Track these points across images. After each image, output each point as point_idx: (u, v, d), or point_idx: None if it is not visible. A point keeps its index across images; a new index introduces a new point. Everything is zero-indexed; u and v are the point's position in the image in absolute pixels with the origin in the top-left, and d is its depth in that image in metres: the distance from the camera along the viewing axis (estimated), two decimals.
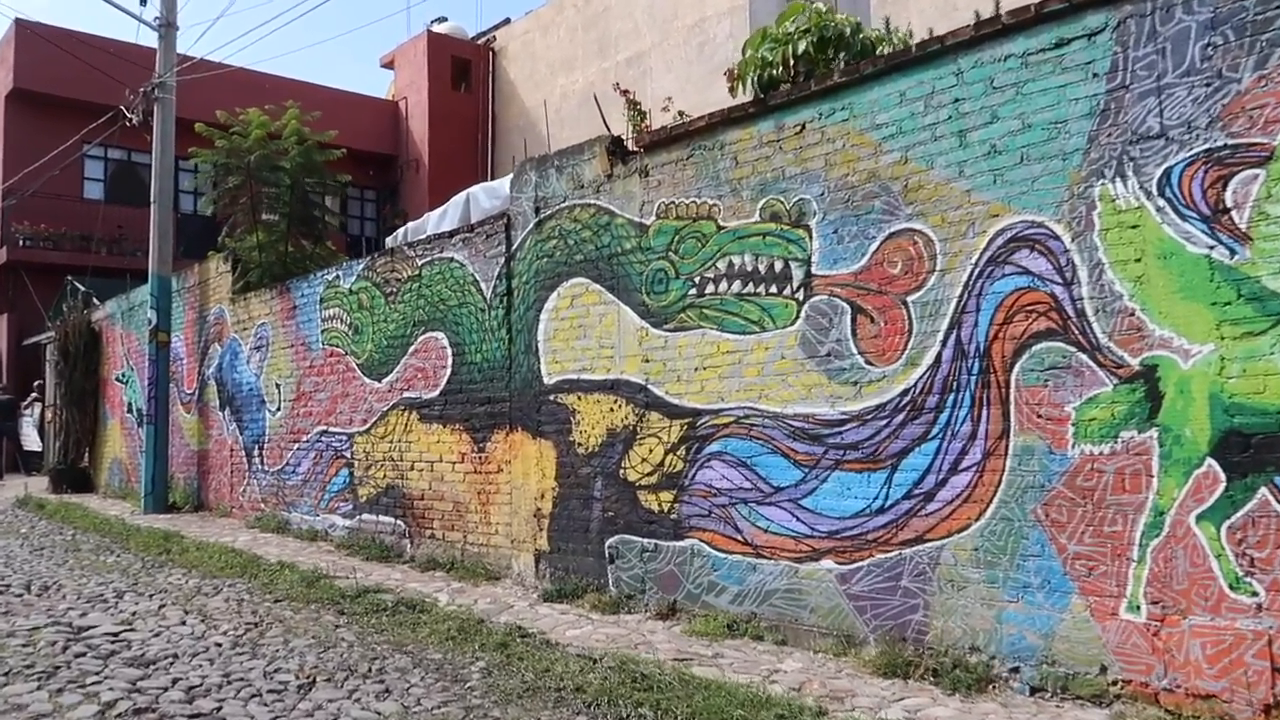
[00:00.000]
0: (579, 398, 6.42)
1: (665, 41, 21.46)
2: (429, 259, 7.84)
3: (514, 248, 7.02)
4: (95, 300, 15.77)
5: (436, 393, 7.69)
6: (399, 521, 8.05)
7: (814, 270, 5.08)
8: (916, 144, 4.67)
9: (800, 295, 5.14)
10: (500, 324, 7.08)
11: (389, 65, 27.02)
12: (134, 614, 6.42)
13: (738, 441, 5.41)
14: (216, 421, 11.25)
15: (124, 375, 13.98)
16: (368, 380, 8.52)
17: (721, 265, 5.54)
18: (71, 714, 4.21)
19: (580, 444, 6.39)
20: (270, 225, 11.01)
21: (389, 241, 9.17)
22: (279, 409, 9.89)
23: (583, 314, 6.42)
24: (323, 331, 9.19)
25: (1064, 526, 4.08)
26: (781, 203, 5.25)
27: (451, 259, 7.59)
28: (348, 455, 8.76)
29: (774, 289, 5.27)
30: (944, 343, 4.52)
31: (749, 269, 5.40)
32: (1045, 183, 4.21)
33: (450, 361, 7.56)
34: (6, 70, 20.96)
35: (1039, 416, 4.18)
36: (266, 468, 10.08)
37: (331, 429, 9.00)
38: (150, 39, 11.93)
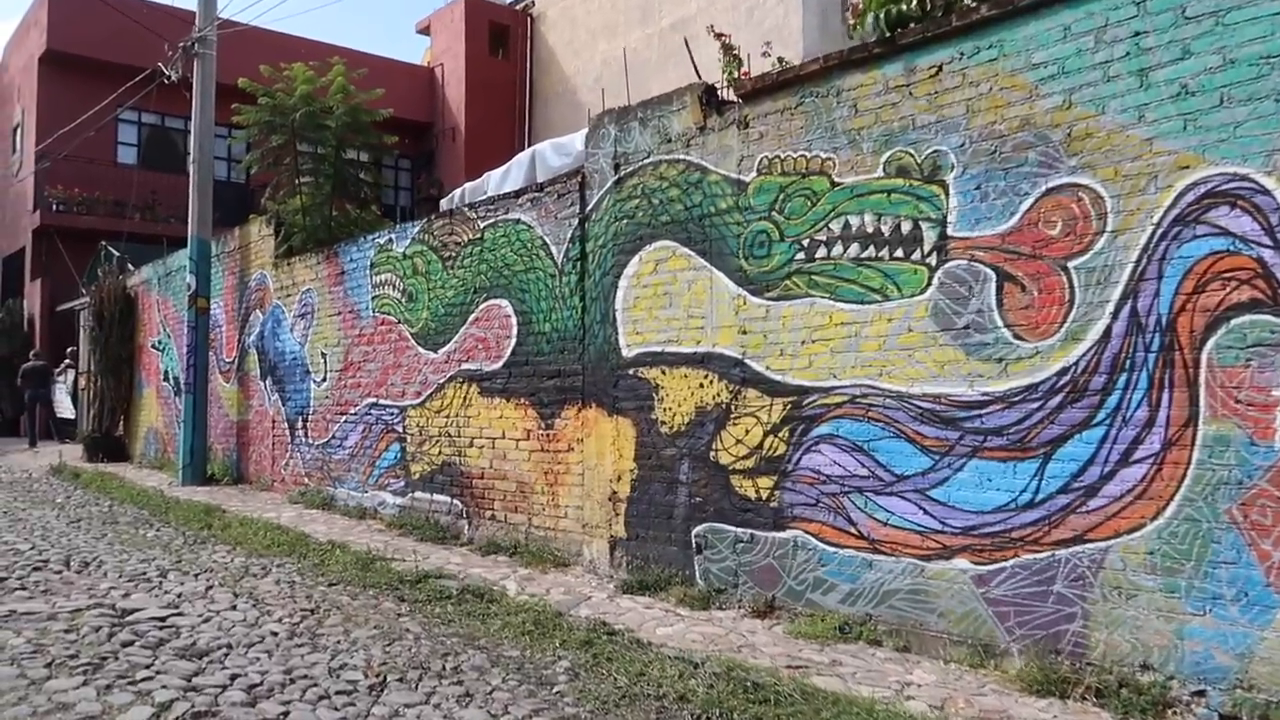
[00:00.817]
0: (663, 372, 5.87)
1: (712, 6, 20.71)
2: (492, 221, 7.30)
3: (589, 208, 6.46)
4: (130, 266, 15.37)
5: (499, 364, 7.16)
6: (456, 501, 7.57)
7: (950, 231, 4.48)
8: (1083, 85, 4.05)
9: (932, 260, 4.55)
10: (573, 291, 6.54)
11: (424, 31, 26.41)
12: (180, 595, 5.97)
13: (852, 423, 4.84)
14: (257, 391, 10.81)
15: (160, 342, 13.58)
16: (423, 350, 8.01)
17: (835, 226, 4.95)
18: (123, 717, 3.75)
19: (664, 422, 5.85)
20: (314, 187, 10.48)
21: (445, 203, 8.63)
22: (325, 379, 9.42)
23: (668, 280, 5.86)
24: (373, 298, 8.68)
25: (1268, 531, 3.49)
26: (911, 155, 4.65)
27: (518, 220, 7.04)
28: (399, 429, 8.27)
29: (900, 253, 4.68)
30: (1115, 315, 3.92)
31: (869, 230, 4.81)
32: (1252, 129, 3.59)
33: (515, 331, 7.03)
34: (40, 32, 20.55)
35: (1238, 402, 3.58)
36: (311, 440, 9.63)
37: (382, 401, 8.51)
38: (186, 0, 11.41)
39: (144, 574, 6.68)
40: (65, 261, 19.45)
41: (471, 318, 7.47)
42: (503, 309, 7.16)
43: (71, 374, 18.42)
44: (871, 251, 4.80)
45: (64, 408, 18.42)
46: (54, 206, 19.77)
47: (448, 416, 7.69)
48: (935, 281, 4.53)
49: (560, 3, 25.00)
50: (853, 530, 4.82)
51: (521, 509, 6.93)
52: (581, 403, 6.45)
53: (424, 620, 5.40)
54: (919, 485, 4.56)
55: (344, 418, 9.07)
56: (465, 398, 7.50)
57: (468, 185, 8.64)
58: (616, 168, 6.26)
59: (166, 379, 13.28)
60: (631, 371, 6.08)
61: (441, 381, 7.77)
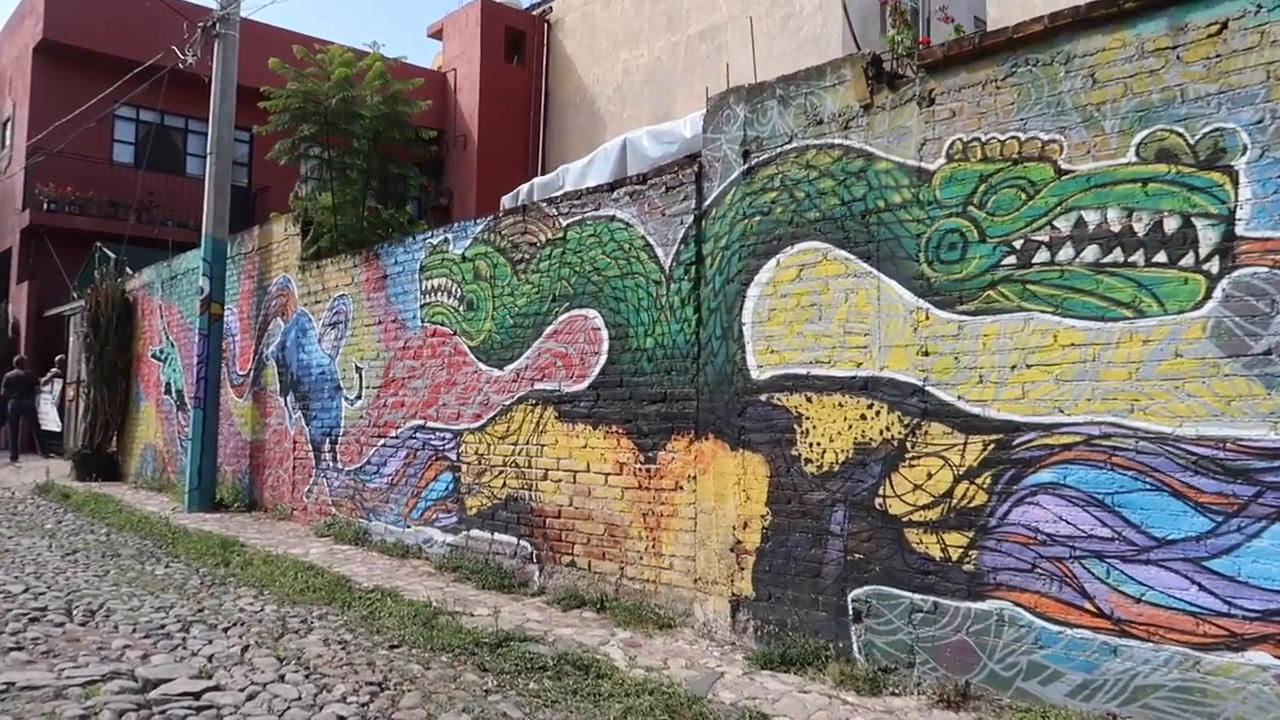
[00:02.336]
0: (807, 399, 4.86)
1: (744, 14, 19.86)
2: (578, 218, 6.29)
3: (707, 203, 5.47)
4: (128, 269, 14.25)
5: (584, 385, 6.14)
6: (523, 542, 6.51)
7: (1242, 231, 3.52)
8: None
9: (1212, 266, 3.58)
10: (684, 300, 5.53)
11: (436, 35, 25.46)
12: (212, 660, 4.91)
13: (1087, 471, 3.85)
14: (275, 408, 9.71)
15: (162, 352, 12.45)
16: (484, 367, 6.97)
17: (1063, 224, 3.98)
18: None
19: (809, 460, 4.83)
20: (346, 183, 9.44)
21: (507, 200, 7.61)
22: (359, 397, 8.35)
23: (817, 289, 4.87)
24: (423, 306, 7.64)
25: None
26: (1179, 136, 3.69)
27: (612, 217, 6.04)
28: (452, 457, 7.21)
29: (1162, 257, 3.71)
30: None
31: (1114, 229, 3.84)
32: None
33: (605, 346, 6.02)
34: (36, 20, 19.46)
35: None
36: (340, 465, 8.55)
37: (431, 423, 7.45)
38: None
39: (162, 626, 5.59)
40: (56, 264, 18.27)
41: (548, 330, 6.44)
42: (589, 321, 6.15)
43: (59, 384, 17.20)
44: (1117, 255, 3.82)
45: (49, 420, 17.18)
46: (45, 205, 18.60)
47: (515, 444, 6.65)
48: (1218, 294, 3.56)
49: (579, 9, 24.16)
50: (1088, 605, 3.82)
51: (611, 556, 5.88)
52: (694, 433, 5.43)
53: (520, 701, 4.35)
54: (1191, 553, 3.56)
55: (382, 441, 8.00)
56: (539, 423, 6.46)
57: (537, 180, 7.63)
58: (746, 155, 5.28)
59: (168, 392, 12.14)
60: (764, 398, 5.07)
61: (508, 403, 6.73)
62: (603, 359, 6.03)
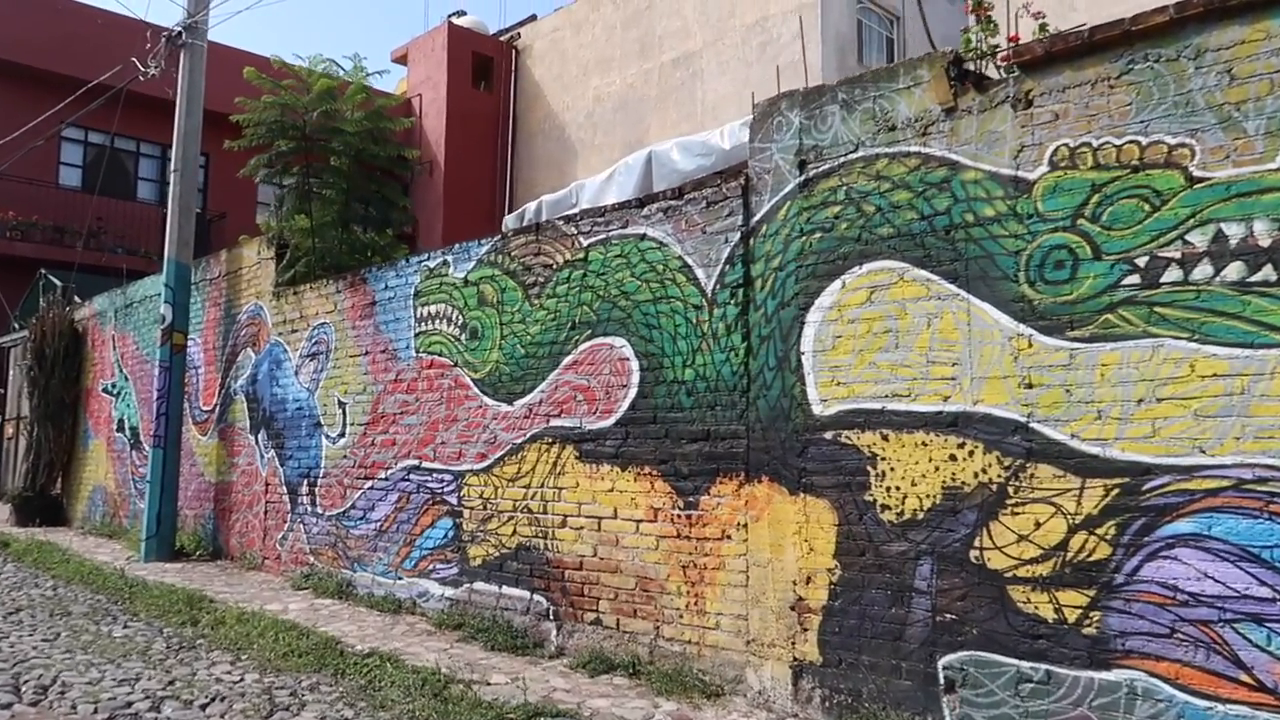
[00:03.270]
0: (883, 437, 4.32)
1: (720, 41, 19.63)
2: (602, 237, 5.71)
3: (756, 219, 4.94)
4: (75, 298, 13.31)
5: (610, 422, 5.53)
6: (538, 597, 5.84)
7: None
8: None
9: None
10: (730, 327, 4.97)
11: (401, 60, 24.83)
12: None
13: (1238, 520, 3.34)
14: (245, 447, 8.92)
15: (114, 386, 11.55)
16: (491, 401, 6.32)
17: (1198, 238, 3.50)
18: None
19: (887, 506, 4.28)
20: (324, 204, 8.76)
21: (511, 220, 7.00)
22: (342, 434, 7.62)
23: (892, 313, 4.34)
24: (418, 335, 6.98)
25: None
26: None
27: (642, 236, 5.47)
28: (453, 501, 6.53)
29: None
30: None
31: (1264, 243, 3.36)
32: None
33: (635, 379, 5.42)
34: None
35: None
36: (320, 510, 7.79)
37: (427, 464, 6.77)
38: (141, 9, 9.71)
39: (129, 705, 4.85)
40: None
41: (567, 361, 5.83)
42: (616, 350, 5.55)
43: None
44: (1268, 273, 3.35)
45: None
46: None
47: (528, 487, 6.00)
48: None
49: (548, 36, 23.76)
50: (1243, 677, 3.29)
51: (644, 613, 5.25)
52: (744, 475, 4.85)
53: None
54: None
55: (369, 483, 7.28)
56: (555, 463, 5.82)
57: (546, 198, 7.04)
58: (802, 166, 4.76)
59: (121, 429, 11.23)
60: (829, 435, 4.51)
61: (519, 441, 6.08)
62: (632, 392, 5.43)
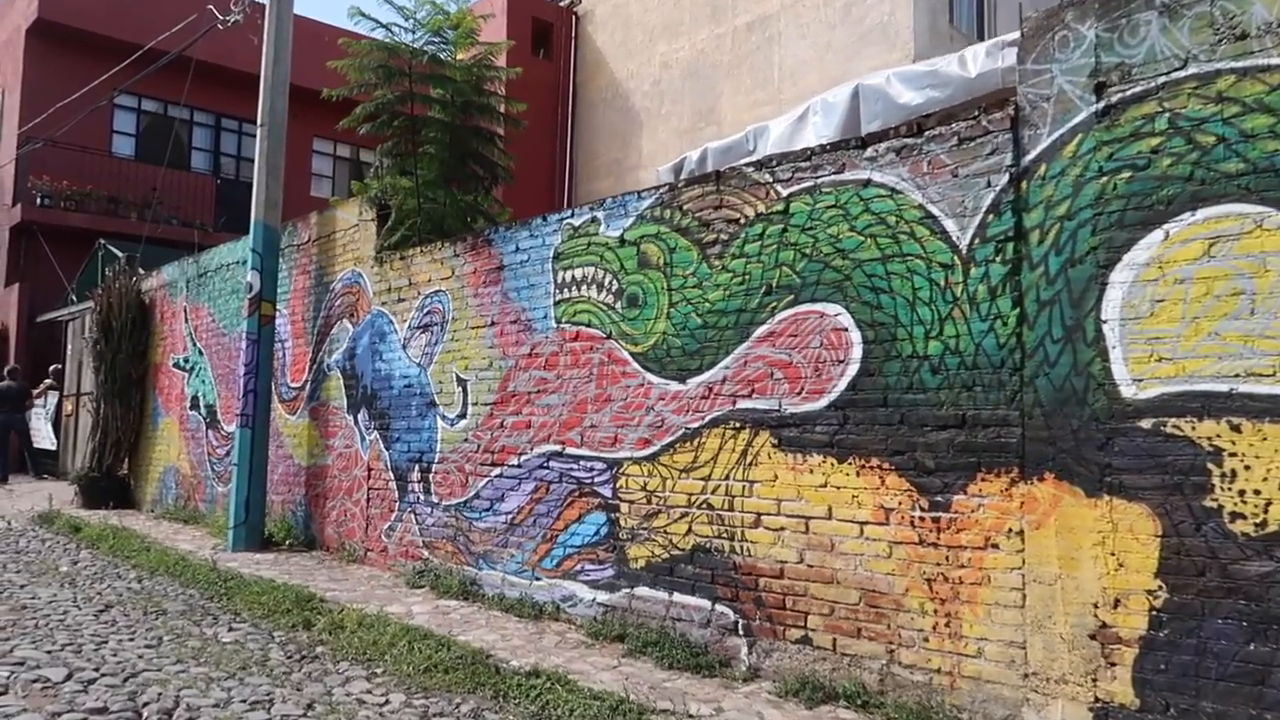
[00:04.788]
0: (1233, 427, 3.41)
1: (799, 3, 18.55)
2: (806, 185, 4.81)
3: (1030, 158, 4.02)
4: (140, 268, 12.58)
5: (821, 404, 4.65)
6: (722, 608, 5.00)
7: None
8: None
9: None
10: (996, 290, 4.07)
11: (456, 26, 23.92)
12: None
13: None
14: (341, 428, 8.14)
15: (187, 360, 10.82)
16: (656, 379, 5.46)
17: None
18: None
19: (1239, 515, 3.37)
20: (426, 161, 7.90)
21: (664, 172, 6.10)
22: (462, 415, 6.81)
23: (1244, 270, 3.42)
24: (559, 303, 6.12)
25: None
26: None
27: (866, 182, 4.57)
28: (606, 493, 5.69)
29: None
30: None
31: None
32: None
33: (856, 353, 4.54)
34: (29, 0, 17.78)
35: None
36: (436, 499, 6.99)
37: (572, 450, 5.93)
38: None
39: None
40: (51, 264, 16.55)
41: (760, 332, 4.95)
42: (828, 319, 4.66)
43: (54, 397, 15.46)
44: None
45: (43, 437, 15.43)
46: (39, 200, 16.87)
47: (706, 479, 5.14)
48: None
49: (611, 1, 22.75)
50: None
51: (871, 633, 4.38)
52: (1018, 470, 3.96)
53: None
54: None
55: (498, 470, 6.46)
56: (745, 452, 4.96)
57: (712, 145, 6.13)
58: (1099, 90, 3.83)
59: (195, 407, 10.51)
60: (1147, 424, 3.60)
61: (694, 426, 5.22)
62: (852, 369, 4.55)
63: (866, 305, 4.53)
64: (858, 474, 4.50)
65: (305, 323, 8.77)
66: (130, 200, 17.81)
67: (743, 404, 5.01)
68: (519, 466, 6.31)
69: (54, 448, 15.20)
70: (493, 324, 6.62)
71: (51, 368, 15.63)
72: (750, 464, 4.95)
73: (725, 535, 5.04)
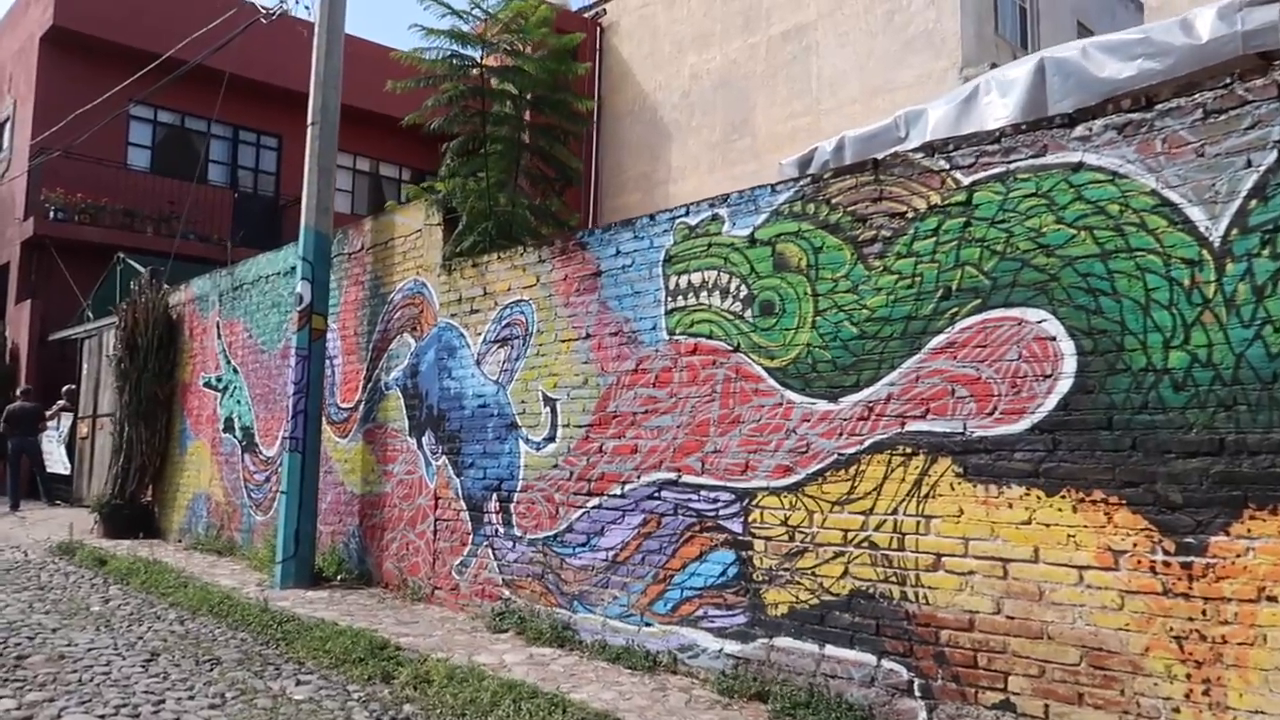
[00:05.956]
0: None
1: (838, 11, 18.01)
2: (995, 170, 4.14)
3: None
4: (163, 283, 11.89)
5: (1021, 426, 3.96)
6: (890, 663, 4.28)
7: None
8: None
9: None
10: (1263, 289, 3.39)
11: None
12: None
13: None
14: (401, 451, 7.42)
15: (220, 379, 10.11)
16: (797, 397, 4.77)
17: None
18: None
19: None
20: (489, 161, 7.24)
21: (788, 166, 5.43)
22: (550, 439, 6.10)
23: None
24: (671, 311, 5.44)
25: None
26: None
27: (1077, 165, 3.90)
28: (734, 527, 4.99)
29: None
30: None
31: None
32: None
33: (1068, 366, 3.85)
34: (44, 7, 17.20)
35: None
36: (519, 532, 6.27)
37: (690, 478, 5.23)
38: None
39: None
40: (64, 279, 15.86)
41: (936, 342, 4.27)
42: (1028, 326, 3.98)
43: (67, 419, 14.72)
44: None
45: (56, 461, 14.68)
46: (52, 213, 16.20)
47: (867, 512, 4.44)
48: None
49: (637, 11, 22.23)
50: None
51: (1097, 699, 3.67)
52: None
53: None
54: None
55: (595, 500, 5.75)
56: (919, 482, 4.26)
57: (850, 133, 5.46)
58: None
59: (229, 429, 9.79)
60: None
61: (850, 451, 4.52)
62: (1063, 385, 3.86)
63: (1081, 310, 3.84)
64: (1074, 509, 3.80)
65: (358, 338, 8.07)
66: (147, 214, 17.17)
67: (915, 426, 4.31)
68: (622, 496, 5.60)
69: (68, 472, 14.45)
70: (588, 336, 5.93)
71: (65, 388, 14.91)
72: (926, 496, 4.25)
73: (894, 579, 4.33)
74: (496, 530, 6.45)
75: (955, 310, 4.22)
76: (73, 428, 14.50)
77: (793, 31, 18.84)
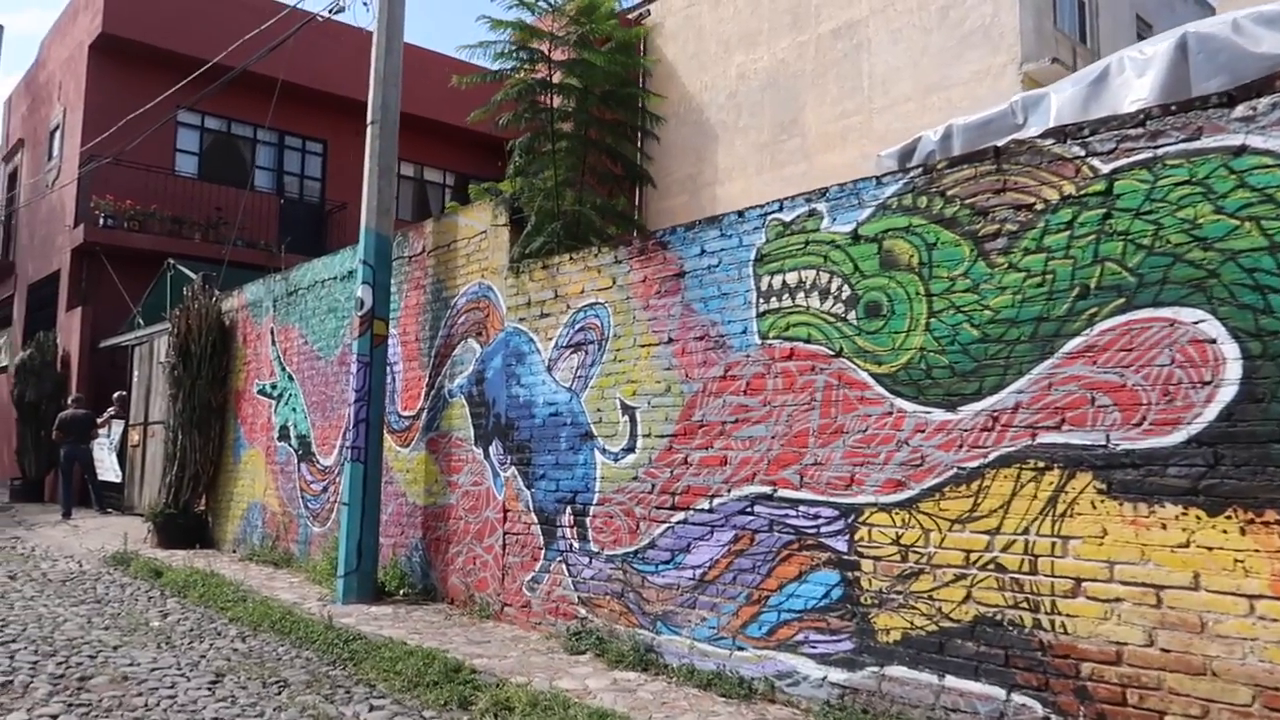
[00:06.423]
0: None
1: (891, 7, 17.57)
2: (1140, 158, 3.77)
3: None
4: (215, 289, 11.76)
5: (1175, 439, 3.58)
6: (1022, 698, 3.91)
7: None
8: None
9: None
10: None
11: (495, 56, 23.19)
12: None
13: None
14: (466, 462, 7.15)
15: (274, 386, 9.93)
16: (909, 405, 4.42)
17: None
18: None
19: None
20: (559, 157, 6.95)
21: (885, 159, 5.08)
22: (630, 449, 5.79)
23: None
24: (764, 314, 5.10)
25: None
26: None
27: (1239, 150, 3.51)
28: (838, 546, 4.64)
29: None
30: None
31: None
32: None
33: (1232, 371, 3.47)
34: (93, 14, 17.26)
35: None
36: (595, 547, 5.96)
37: (786, 492, 4.89)
38: None
39: None
40: (115, 286, 15.85)
41: (1072, 345, 3.90)
42: (1183, 328, 3.60)
43: (118, 426, 14.68)
44: None
45: (106, 469, 14.64)
46: (102, 220, 16.20)
47: (993, 532, 4.07)
48: None
49: (681, 11, 21.93)
50: None
51: None
52: None
53: None
54: None
55: (680, 515, 5.43)
56: (1055, 499, 3.89)
57: (958, 122, 5.07)
58: None
59: (284, 437, 9.59)
60: None
61: (974, 465, 4.16)
62: (1226, 392, 3.47)
63: (1247, 309, 3.46)
64: (1242, 531, 3.41)
65: (419, 344, 7.82)
66: (194, 221, 17.14)
67: (1048, 438, 3.94)
68: (711, 511, 5.27)
69: (119, 480, 14.40)
70: (670, 341, 5.61)
71: (116, 395, 14.87)
72: (1063, 515, 3.87)
73: (1025, 605, 3.96)
74: (571, 545, 6.15)
75: (1094, 311, 3.85)
76: (123, 435, 14.45)
77: (843, 29, 18.44)
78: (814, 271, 4.88)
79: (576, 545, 6.10)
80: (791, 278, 4.98)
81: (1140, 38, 20.67)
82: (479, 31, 24.88)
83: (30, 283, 19.66)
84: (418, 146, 19.81)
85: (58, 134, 18.71)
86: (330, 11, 8.36)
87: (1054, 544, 3.89)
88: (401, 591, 7.54)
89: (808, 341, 4.88)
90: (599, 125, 7.19)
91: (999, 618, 4.04)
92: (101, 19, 16.76)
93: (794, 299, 4.96)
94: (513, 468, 6.67)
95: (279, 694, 5.21)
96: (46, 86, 20.04)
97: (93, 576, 9.09)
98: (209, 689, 5.26)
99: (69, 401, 14.45)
